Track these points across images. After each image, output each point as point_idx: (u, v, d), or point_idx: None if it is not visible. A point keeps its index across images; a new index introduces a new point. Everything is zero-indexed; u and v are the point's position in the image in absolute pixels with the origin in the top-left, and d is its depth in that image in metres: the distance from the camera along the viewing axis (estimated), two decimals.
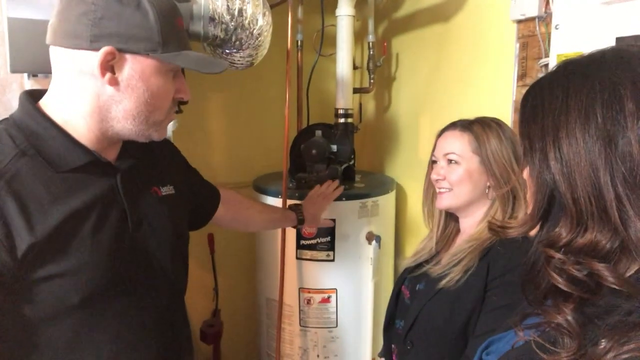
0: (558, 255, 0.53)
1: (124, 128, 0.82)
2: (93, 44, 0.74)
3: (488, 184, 1.09)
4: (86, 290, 0.80)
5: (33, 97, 0.83)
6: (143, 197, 0.91)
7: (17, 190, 0.74)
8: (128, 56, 0.77)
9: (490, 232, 1.02)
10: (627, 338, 0.47)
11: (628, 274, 0.50)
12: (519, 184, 1.03)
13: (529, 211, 0.60)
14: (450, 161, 1.11)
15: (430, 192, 1.19)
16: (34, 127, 0.79)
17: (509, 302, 0.93)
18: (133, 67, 0.78)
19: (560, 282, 0.53)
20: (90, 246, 0.80)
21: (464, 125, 1.12)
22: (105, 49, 0.74)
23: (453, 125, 1.14)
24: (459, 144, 1.10)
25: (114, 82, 0.77)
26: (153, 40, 0.77)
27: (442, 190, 1.13)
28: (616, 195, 0.48)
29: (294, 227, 1.50)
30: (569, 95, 0.53)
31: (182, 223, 1.03)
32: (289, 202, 1.64)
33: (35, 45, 1.02)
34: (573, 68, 0.55)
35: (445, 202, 1.12)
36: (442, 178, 1.12)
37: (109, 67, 0.76)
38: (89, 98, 0.79)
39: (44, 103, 0.83)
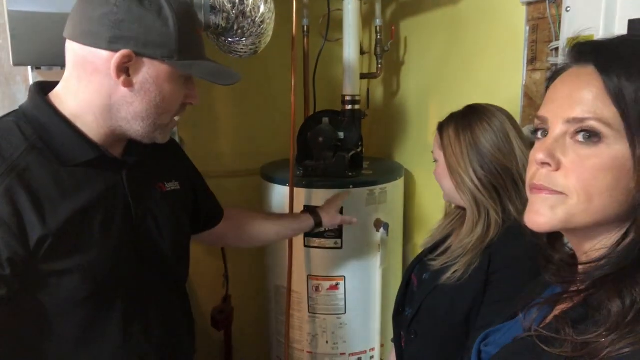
0: None
1: (131, 128, 0.83)
2: (111, 45, 0.75)
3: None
4: (95, 284, 0.81)
5: (43, 89, 0.84)
6: (147, 192, 0.92)
7: (29, 184, 0.75)
8: (145, 60, 0.78)
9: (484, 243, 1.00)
10: (630, 330, 0.47)
11: None
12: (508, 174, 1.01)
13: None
14: (435, 160, 1.13)
15: None
16: (43, 120, 0.80)
17: (510, 295, 0.92)
18: (148, 71, 0.79)
19: None
20: (99, 242, 0.81)
21: (439, 125, 1.12)
22: (122, 51, 0.75)
23: (440, 122, 1.14)
24: (436, 145, 1.12)
25: (128, 84, 0.78)
26: (170, 47, 0.78)
27: None
28: None
29: (311, 230, 1.42)
30: None
31: (185, 218, 1.04)
32: (297, 189, 1.64)
33: (37, 37, 1.02)
34: None
35: (444, 196, 1.15)
36: (435, 175, 1.15)
37: (125, 69, 0.77)
38: (101, 96, 0.79)
39: (55, 95, 0.83)
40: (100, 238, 0.81)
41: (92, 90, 0.79)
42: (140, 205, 0.89)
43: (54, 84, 0.85)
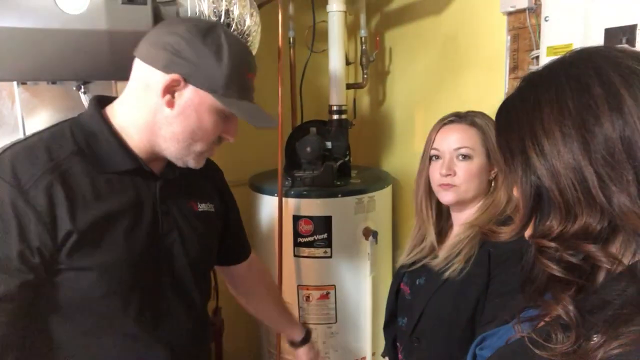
0: (550, 244, 0.54)
1: (167, 148, 0.89)
2: (166, 68, 0.84)
3: (492, 175, 1.09)
4: (109, 286, 0.87)
5: (100, 101, 0.92)
6: (178, 208, 0.96)
7: (68, 183, 0.82)
8: (191, 87, 0.85)
9: (482, 237, 1.02)
10: (619, 332, 0.48)
11: (625, 259, 0.51)
12: None
13: (519, 218, 0.60)
14: (461, 156, 1.08)
15: (424, 188, 1.17)
16: (93, 128, 0.88)
17: (514, 288, 0.93)
18: (192, 97, 0.85)
19: (556, 270, 0.54)
20: (121, 246, 0.86)
21: (467, 119, 1.11)
22: (173, 75, 0.83)
23: (455, 119, 1.12)
24: (470, 138, 1.08)
25: (171, 105, 0.86)
26: (218, 82, 0.85)
27: (448, 185, 1.09)
28: (597, 175, 0.50)
29: (294, 340, 1.33)
30: (539, 94, 0.55)
31: (214, 241, 1.07)
32: (285, 199, 1.65)
33: (22, 53, 1.02)
34: (537, 74, 0.58)
35: (450, 197, 1.09)
36: (452, 174, 1.08)
37: (172, 91, 0.85)
38: (147, 112, 0.87)
39: (110, 107, 0.92)
40: (123, 243, 0.86)
41: (141, 105, 0.87)
42: (168, 220, 0.94)
43: (112, 99, 0.93)
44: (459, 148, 1.08)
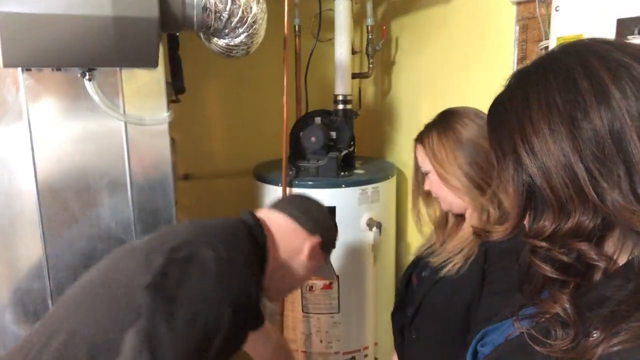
0: (542, 244, 0.54)
1: (268, 284, 1.04)
2: (312, 231, 1.10)
3: None
4: None
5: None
6: None
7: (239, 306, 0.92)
8: (321, 251, 1.12)
9: (474, 236, 1.03)
10: (618, 329, 0.47)
11: (622, 256, 0.51)
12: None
13: (512, 217, 0.60)
14: (426, 173, 1.11)
15: (418, 193, 1.19)
16: (258, 252, 1.01)
17: (508, 287, 0.93)
18: (318, 255, 1.11)
19: (548, 270, 0.54)
20: None
21: (419, 136, 1.12)
22: (318, 239, 1.10)
23: (418, 135, 1.13)
24: (420, 157, 1.11)
25: (307, 257, 1.08)
26: (328, 247, 1.15)
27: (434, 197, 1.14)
28: (588, 172, 0.49)
29: None
30: (527, 92, 0.55)
31: None
32: (289, 189, 1.65)
33: (27, 39, 1.01)
34: (525, 71, 0.57)
35: (443, 206, 1.13)
36: (429, 188, 1.12)
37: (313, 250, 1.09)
38: (288, 255, 1.07)
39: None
40: None
41: (284, 250, 1.06)
42: None
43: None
44: (419, 167, 1.13)
